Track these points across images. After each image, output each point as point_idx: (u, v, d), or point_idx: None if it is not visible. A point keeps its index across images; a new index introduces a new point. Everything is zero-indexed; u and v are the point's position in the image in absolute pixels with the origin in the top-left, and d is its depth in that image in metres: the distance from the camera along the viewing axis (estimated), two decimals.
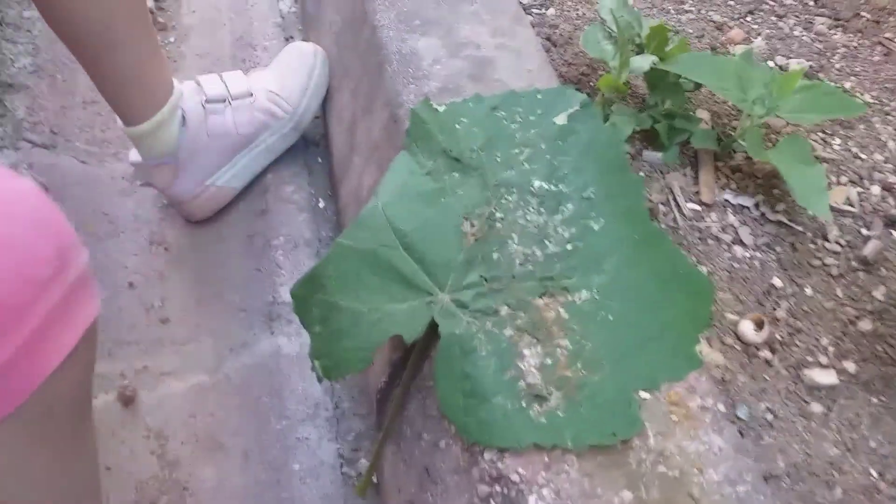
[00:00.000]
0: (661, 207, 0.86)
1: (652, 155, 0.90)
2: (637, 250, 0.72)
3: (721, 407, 0.66)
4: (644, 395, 0.64)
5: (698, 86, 0.90)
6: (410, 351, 0.75)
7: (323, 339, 0.71)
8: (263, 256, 1.13)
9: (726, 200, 0.87)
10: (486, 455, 0.61)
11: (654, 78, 0.88)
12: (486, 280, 0.69)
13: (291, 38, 1.47)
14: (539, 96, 0.83)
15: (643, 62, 0.83)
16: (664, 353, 0.65)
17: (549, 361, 0.64)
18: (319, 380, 0.70)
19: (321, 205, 1.17)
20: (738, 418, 0.69)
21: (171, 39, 1.56)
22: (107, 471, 0.99)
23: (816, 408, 0.72)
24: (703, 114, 0.95)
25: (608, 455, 0.60)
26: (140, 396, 1.04)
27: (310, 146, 1.25)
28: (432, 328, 0.69)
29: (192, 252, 1.19)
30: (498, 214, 0.74)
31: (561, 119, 0.81)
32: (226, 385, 1.03)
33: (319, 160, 1.23)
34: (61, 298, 0.47)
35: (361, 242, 0.72)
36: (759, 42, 1.03)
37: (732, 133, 0.93)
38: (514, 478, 0.59)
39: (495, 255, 0.71)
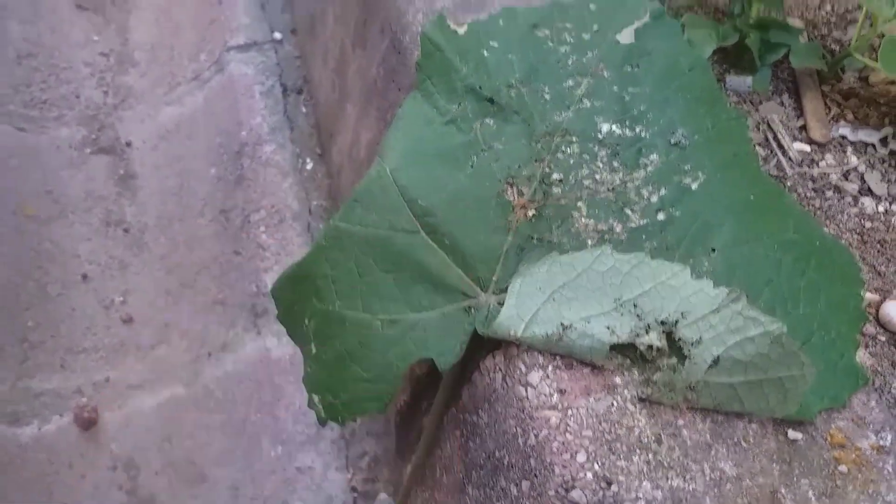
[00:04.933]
0: (760, 150, 0.65)
1: (738, 81, 0.68)
2: (754, 216, 0.51)
3: None
4: (795, 434, 0.44)
5: None
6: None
7: (322, 364, 0.51)
8: (242, 235, 0.91)
9: (843, 136, 0.66)
10: None
11: None
12: None
13: None
14: (592, 6, 0.61)
15: None
16: (815, 367, 0.45)
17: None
18: (321, 422, 0.50)
19: (308, 166, 0.96)
20: None
21: None
22: None
23: None
24: (794, 23, 0.73)
25: None
26: (102, 417, 0.84)
27: (290, 94, 1.03)
28: (473, 343, 0.48)
29: (156, 233, 0.97)
30: (555, 175, 0.52)
31: (626, 36, 0.59)
32: (206, 399, 0.83)
33: (303, 110, 1.01)
34: None
35: (366, 225, 0.51)
36: None
37: (836, 48, 0.71)
38: None
39: (557, 235, 0.50)
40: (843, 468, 0.42)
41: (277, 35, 1.07)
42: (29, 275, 0.94)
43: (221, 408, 0.82)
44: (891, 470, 0.42)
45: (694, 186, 0.52)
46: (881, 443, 0.43)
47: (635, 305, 0.44)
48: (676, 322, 0.43)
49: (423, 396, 0.62)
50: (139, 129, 1.10)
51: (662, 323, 0.43)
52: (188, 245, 0.96)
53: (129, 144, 1.08)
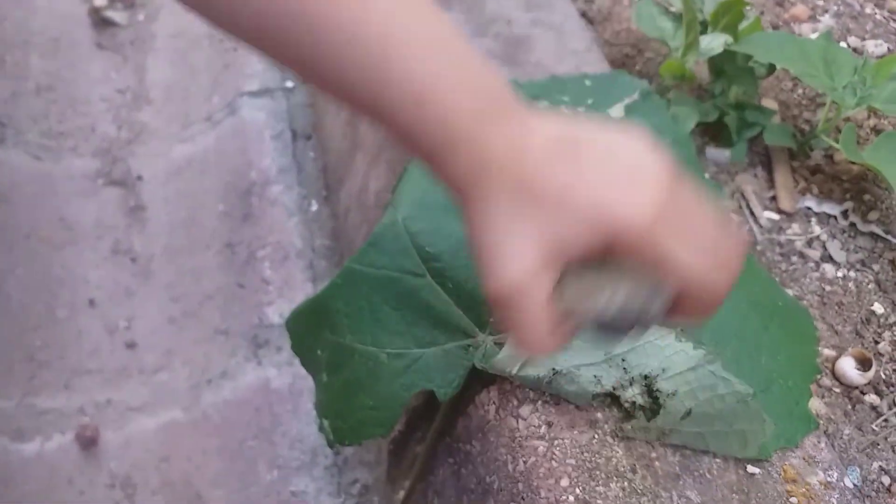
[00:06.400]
0: (734, 217, 0.71)
1: (717, 153, 0.75)
2: None
3: (848, 481, 0.51)
4: (753, 469, 0.49)
5: (771, 71, 0.76)
6: (434, 396, 0.60)
7: (332, 391, 0.56)
8: (247, 269, 0.97)
9: (808, 208, 0.73)
10: None
11: (722, 61, 0.73)
12: None
13: None
14: (588, 83, 0.68)
15: (714, 43, 0.69)
16: (773, 412, 0.51)
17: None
18: (330, 444, 0.55)
19: (314, 208, 1.01)
20: (852, 484, 0.55)
21: (140, 17, 1.38)
22: None
23: None
24: (769, 104, 0.80)
25: None
26: (103, 437, 0.88)
27: (299, 139, 1.09)
28: (469, 379, 0.54)
29: (163, 263, 1.02)
30: None
31: (617, 111, 0.66)
32: (204, 423, 0.87)
33: (311, 155, 1.07)
34: None
35: (378, 268, 0.57)
36: (827, 20, 0.88)
37: (806, 127, 0.79)
38: None
39: None
40: (794, 500, 0.48)
41: (289, 83, 1.14)
42: (39, 297, 0.98)
43: (219, 432, 0.86)
44: (835, 503, 0.48)
45: None
46: (828, 479, 0.49)
47: (623, 360, 0.50)
48: (657, 376, 0.49)
49: (416, 427, 0.67)
50: (151, 163, 1.15)
51: (645, 377, 0.49)
52: (194, 276, 1.01)
53: (140, 178, 1.13)
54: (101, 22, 1.36)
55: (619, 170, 0.37)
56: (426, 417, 0.64)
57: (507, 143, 0.37)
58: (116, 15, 1.38)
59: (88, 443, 0.87)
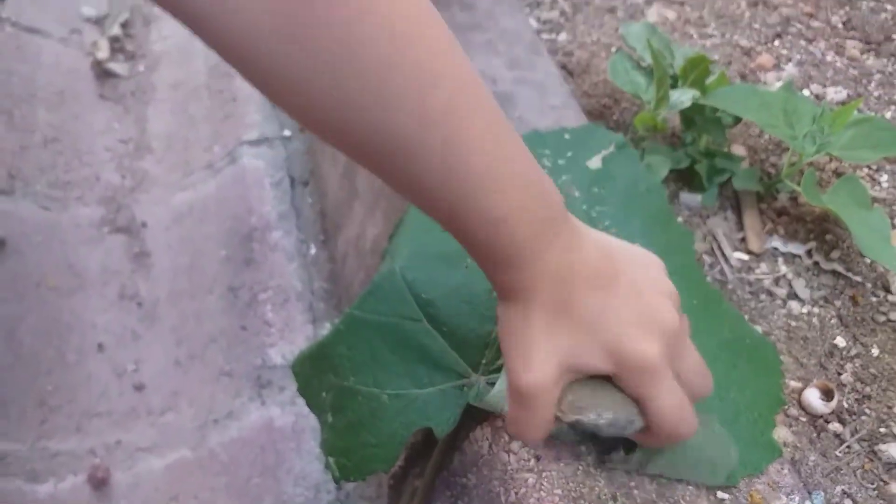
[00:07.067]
0: (706, 258, 0.77)
1: (690, 198, 0.81)
2: (697, 318, 0.62)
3: None
4: (723, 495, 0.54)
5: (738, 120, 0.81)
6: (432, 433, 0.64)
7: (337, 431, 0.60)
8: (249, 312, 1.01)
9: (775, 248, 0.78)
10: None
11: (692, 113, 0.79)
12: None
13: None
14: (567, 136, 0.74)
15: (683, 97, 0.74)
16: (740, 442, 0.56)
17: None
18: (336, 481, 0.59)
19: (312, 251, 1.06)
20: None
21: (140, 69, 1.44)
22: None
23: None
24: (738, 150, 0.86)
25: None
26: (114, 477, 0.92)
27: (297, 185, 1.14)
28: (463, 417, 0.58)
29: (168, 307, 1.07)
30: None
31: (595, 162, 0.71)
32: (211, 462, 0.91)
33: (309, 201, 1.12)
34: None
35: (378, 314, 0.62)
36: (790, 69, 0.95)
37: (772, 171, 0.85)
38: None
39: None
40: None
41: (287, 132, 1.20)
42: (50, 343, 1.03)
43: (226, 470, 0.90)
44: None
45: None
46: (790, 503, 0.54)
47: None
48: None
49: (415, 462, 0.71)
50: (154, 211, 1.20)
51: None
52: (198, 319, 1.05)
53: (144, 225, 1.18)
54: (103, 74, 1.42)
55: (641, 310, 0.46)
56: (424, 453, 0.69)
57: (559, 263, 0.46)
58: (118, 66, 1.44)
59: (100, 483, 0.91)
